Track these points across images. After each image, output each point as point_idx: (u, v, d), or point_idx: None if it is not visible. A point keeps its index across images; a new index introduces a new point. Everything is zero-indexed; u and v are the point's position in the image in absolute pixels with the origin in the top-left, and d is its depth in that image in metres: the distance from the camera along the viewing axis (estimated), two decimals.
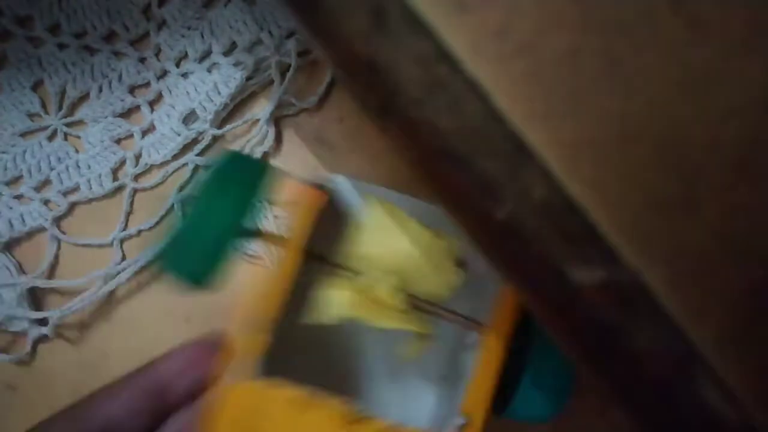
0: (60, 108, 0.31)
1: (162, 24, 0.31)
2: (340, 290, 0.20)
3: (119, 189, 0.30)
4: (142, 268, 0.29)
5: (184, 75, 0.31)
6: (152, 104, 0.31)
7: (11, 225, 0.30)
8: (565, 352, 0.16)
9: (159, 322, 0.29)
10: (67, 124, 0.30)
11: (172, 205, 0.30)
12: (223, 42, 0.31)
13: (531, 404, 0.22)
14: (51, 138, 0.30)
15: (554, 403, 0.22)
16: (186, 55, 0.31)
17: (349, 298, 0.20)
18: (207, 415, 0.20)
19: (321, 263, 0.22)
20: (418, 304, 0.21)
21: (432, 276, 0.20)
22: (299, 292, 0.22)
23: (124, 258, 0.30)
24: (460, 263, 0.21)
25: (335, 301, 0.20)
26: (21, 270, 0.30)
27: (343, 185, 0.24)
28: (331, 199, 0.23)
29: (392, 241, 0.20)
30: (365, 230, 0.21)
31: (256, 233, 0.21)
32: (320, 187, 0.23)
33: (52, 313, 0.29)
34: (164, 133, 0.30)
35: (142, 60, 0.31)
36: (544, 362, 0.22)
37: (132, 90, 0.31)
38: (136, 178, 0.30)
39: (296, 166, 0.30)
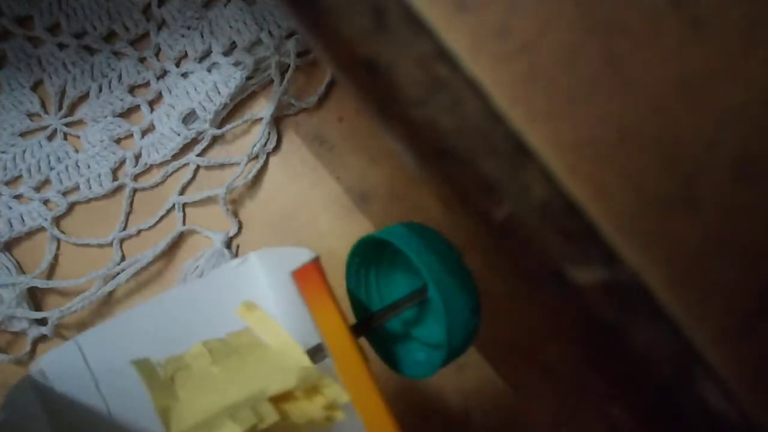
0: (60, 108, 0.31)
1: (162, 24, 0.31)
2: None
3: (119, 189, 0.30)
4: (142, 269, 0.29)
5: (184, 75, 0.31)
6: (152, 104, 0.31)
7: (11, 225, 0.30)
8: (564, 352, 0.16)
9: None
10: (67, 124, 0.30)
11: (173, 205, 0.30)
12: (222, 42, 0.31)
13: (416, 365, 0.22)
14: (50, 138, 0.30)
15: (437, 360, 0.21)
16: (186, 55, 0.31)
17: None
18: None
19: None
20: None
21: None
22: None
23: (123, 258, 0.30)
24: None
25: None
26: (20, 270, 0.30)
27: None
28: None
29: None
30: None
31: None
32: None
33: (52, 313, 0.29)
34: (164, 133, 0.30)
35: (142, 60, 0.31)
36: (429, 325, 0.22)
37: (132, 90, 0.31)
38: (136, 177, 0.30)
39: (296, 166, 0.30)
